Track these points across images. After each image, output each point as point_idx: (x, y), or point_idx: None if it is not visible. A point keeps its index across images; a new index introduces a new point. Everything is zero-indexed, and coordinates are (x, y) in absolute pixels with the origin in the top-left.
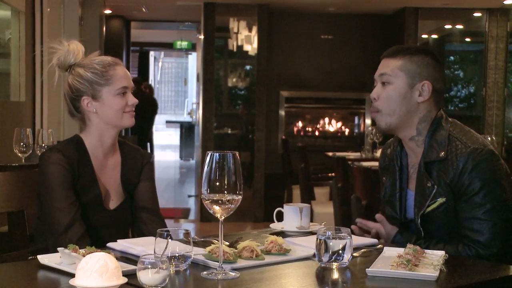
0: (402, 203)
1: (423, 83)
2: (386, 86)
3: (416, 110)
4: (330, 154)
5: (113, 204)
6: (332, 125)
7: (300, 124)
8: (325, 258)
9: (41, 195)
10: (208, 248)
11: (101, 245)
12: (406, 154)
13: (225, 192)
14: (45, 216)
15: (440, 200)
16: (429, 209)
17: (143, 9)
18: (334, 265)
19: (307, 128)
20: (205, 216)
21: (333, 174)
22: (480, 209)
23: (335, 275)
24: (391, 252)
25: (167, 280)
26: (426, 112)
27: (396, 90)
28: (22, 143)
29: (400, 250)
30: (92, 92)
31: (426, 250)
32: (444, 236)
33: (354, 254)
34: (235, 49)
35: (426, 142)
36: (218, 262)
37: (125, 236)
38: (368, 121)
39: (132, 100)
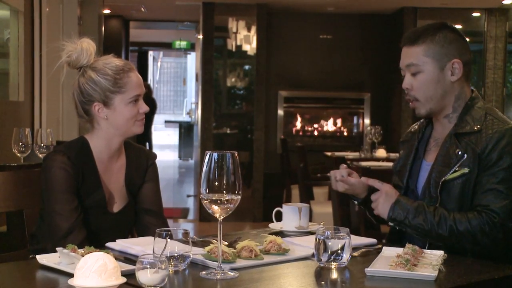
0: (413, 173)
1: (452, 62)
2: (417, 75)
3: (451, 89)
4: (329, 154)
5: (116, 207)
6: (331, 125)
7: (299, 124)
8: (324, 258)
9: (43, 196)
10: (207, 248)
11: (101, 246)
12: (432, 128)
13: (224, 192)
14: (46, 219)
15: (463, 170)
16: (450, 177)
17: (142, 9)
18: (333, 265)
19: (306, 128)
20: (204, 216)
21: None
22: (504, 184)
23: (334, 275)
24: (390, 252)
25: (166, 280)
26: (460, 88)
27: (428, 77)
28: (21, 143)
29: (399, 250)
30: (104, 99)
31: (425, 250)
32: (454, 209)
33: (353, 254)
34: (234, 49)
35: (459, 117)
36: (217, 262)
37: (127, 238)
38: (367, 121)
39: (144, 107)
